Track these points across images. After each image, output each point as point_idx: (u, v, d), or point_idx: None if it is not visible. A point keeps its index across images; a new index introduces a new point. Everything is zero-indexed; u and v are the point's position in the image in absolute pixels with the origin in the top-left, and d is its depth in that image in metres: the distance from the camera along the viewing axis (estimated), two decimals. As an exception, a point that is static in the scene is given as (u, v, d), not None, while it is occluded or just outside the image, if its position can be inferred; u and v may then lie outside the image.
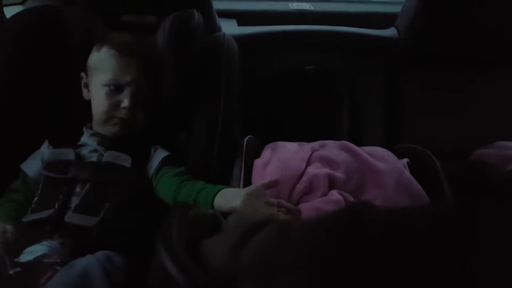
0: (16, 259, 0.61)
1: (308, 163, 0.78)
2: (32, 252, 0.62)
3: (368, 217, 0.23)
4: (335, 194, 0.71)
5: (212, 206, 0.65)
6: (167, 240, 0.28)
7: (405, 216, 0.23)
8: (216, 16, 1.01)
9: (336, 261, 0.22)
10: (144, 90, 0.76)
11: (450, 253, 0.20)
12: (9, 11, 0.89)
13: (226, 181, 0.75)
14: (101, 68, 0.76)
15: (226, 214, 0.64)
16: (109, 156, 0.73)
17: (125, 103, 0.74)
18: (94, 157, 0.74)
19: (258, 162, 0.79)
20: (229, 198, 0.64)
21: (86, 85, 0.80)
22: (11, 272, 0.59)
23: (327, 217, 0.25)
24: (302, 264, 0.22)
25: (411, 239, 0.21)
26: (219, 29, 1.01)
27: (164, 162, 0.75)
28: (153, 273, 0.28)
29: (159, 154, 0.76)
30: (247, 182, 0.76)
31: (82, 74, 0.80)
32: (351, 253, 0.21)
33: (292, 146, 0.84)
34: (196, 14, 0.84)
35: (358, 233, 0.22)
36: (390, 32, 1.14)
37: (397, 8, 1.16)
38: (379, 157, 0.79)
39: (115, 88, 0.74)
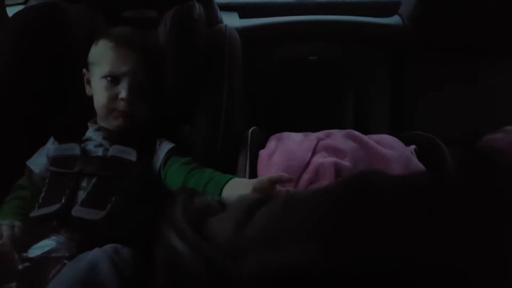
0: (25, 254, 0.61)
1: (314, 153, 0.77)
2: (40, 247, 0.63)
3: (376, 183, 0.23)
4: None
5: (220, 197, 0.65)
6: (172, 219, 0.27)
7: (413, 182, 0.23)
8: (218, 9, 1.01)
9: (344, 228, 0.21)
10: (142, 81, 0.75)
11: (457, 216, 0.20)
12: (12, 12, 0.89)
13: (231, 173, 0.74)
14: (99, 61, 0.76)
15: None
16: (114, 150, 0.73)
17: (123, 94, 0.73)
18: (99, 152, 0.74)
19: (263, 153, 0.78)
20: (237, 188, 0.64)
21: (88, 81, 0.80)
22: (20, 267, 0.60)
23: (334, 185, 0.24)
24: (309, 233, 0.22)
25: (419, 204, 0.21)
26: (221, 22, 1.00)
27: (171, 153, 0.75)
28: (160, 253, 0.28)
29: (165, 146, 0.76)
30: (253, 173, 0.75)
31: (84, 70, 0.80)
32: (359, 219, 0.21)
33: (297, 136, 0.83)
34: (197, 5, 0.83)
35: (367, 199, 0.22)
36: (394, 20, 1.12)
37: (401, -4, 1.15)
38: (386, 144, 0.78)
39: (113, 80, 0.74)
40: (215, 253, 0.24)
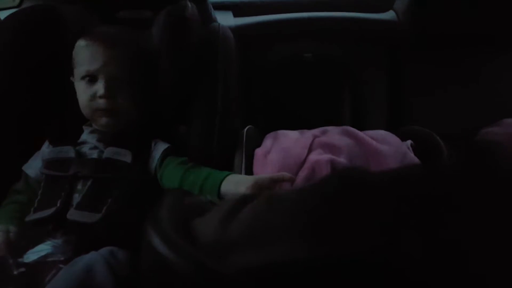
0: (20, 260, 0.61)
1: (310, 150, 0.77)
2: (36, 252, 0.62)
3: (359, 179, 0.22)
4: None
5: (219, 192, 0.65)
6: (156, 219, 0.27)
7: (397, 176, 0.22)
8: (212, 8, 1.00)
9: (328, 224, 0.21)
10: (120, 77, 0.74)
11: (441, 210, 0.19)
12: (5, 15, 0.89)
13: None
14: (78, 62, 0.75)
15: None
16: (109, 152, 0.72)
17: (100, 91, 0.72)
18: (94, 154, 0.73)
19: (259, 151, 0.78)
20: (236, 184, 0.64)
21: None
22: (16, 272, 0.59)
23: (318, 182, 0.24)
24: (293, 230, 0.22)
25: (403, 197, 0.20)
26: (215, 21, 1.00)
27: (166, 153, 0.74)
28: (143, 255, 0.28)
29: (160, 146, 0.75)
30: (249, 172, 0.75)
31: (71, 78, 0.79)
32: (343, 214, 0.21)
33: (293, 134, 0.83)
34: (189, 4, 0.83)
35: (351, 194, 0.21)
36: (389, 15, 1.12)
37: (395, -9, 1.14)
38: (382, 140, 0.78)
39: (90, 79, 0.73)
40: (198, 253, 0.23)
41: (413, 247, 0.19)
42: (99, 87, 0.73)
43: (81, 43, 0.75)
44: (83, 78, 0.74)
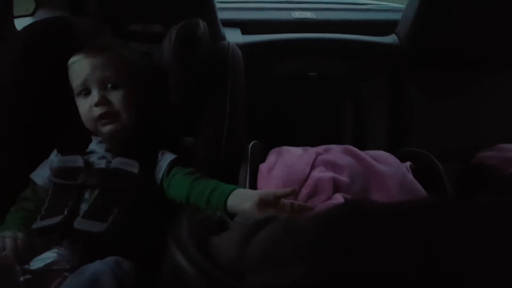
0: (27, 267, 0.61)
1: (313, 167, 0.78)
2: (42, 260, 0.63)
3: (368, 210, 0.24)
4: (339, 198, 0.72)
5: (225, 206, 0.66)
6: (178, 237, 0.29)
7: (404, 209, 0.24)
8: (221, 25, 1.03)
9: (337, 251, 0.23)
10: (108, 82, 0.75)
11: (448, 243, 0.22)
12: (20, 23, 0.91)
13: (232, 186, 0.75)
14: (72, 80, 0.77)
15: (234, 216, 0.65)
16: (117, 162, 0.74)
17: (95, 99, 0.74)
18: (102, 164, 0.75)
19: (263, 167, 0.80)
20: (242, 199, 0.65)
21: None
22: (22, 279, 0.60)
23: (329, 211, 0.26)
24: (303, 255, 0.23)
25: (410, 230, 0.22)
26: (224, 38, 1.02)
27: (173, 163, 0.75)
28: (165, 270, 0.29)
29: (167, 157, 0.77)
30: (253, 187, 0.76)
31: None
32: (352, 244, 0.23)
33: (296, 150, 0.85)
34: (201, 23, 0.85)
35: (359, 225, 0.23)
36: (391, 38, 1.16)
37: (397, 16, 1.18)
38: (383, 160, 0.80)
39: (85, 92, 0.76)
40: (219, 272, 0.25)
41: (414, 277, 0.21)
42: (94, 96, 0.75)
43: (70, 62, 0.78)
44: (79, 93, 0.76)
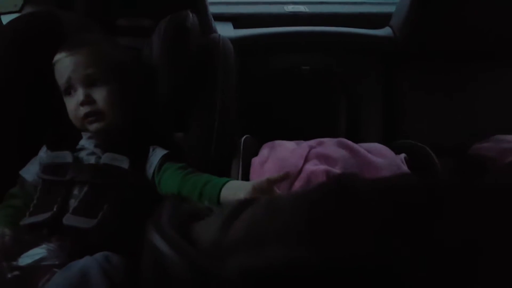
0: (14, 263, 0.60)
1: (306, 160, 0.78)
2: (30, 256, 0.62)
3: (353, 187, 0.23)
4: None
5: (218, 198, 0.65)
6: (157, 222, 0.28)
7: (388, 184, 0.23)
8: (212, 18, 1.02)
9: (325, 228, 0.22)
10: (91, 79, 0.74)
11: (431, 219, 0.20)
12: (7, 19, 0.89)
13: (224, 181, 0.74)
14: (57, 77, 0.76)
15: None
16: (106, 158, 0.73)
17: (80, 98, 0.73)
18: (92, 160, 0.74)
19: (255, 161, 0.79)
20: (235, 190, 0.64)
21: None
22: (9, 275, 0.59)
23: (313, 189, 0.25)
24: (292, 234, 0.22)
25: (400, 208, 0.21)
26: (215, 31, 1.01)
27: (165, 159, 0.74)
28: (144, 255, 0.28)
29: (159, 152, 0.76)
30: (245, 180, 0.76)
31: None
32: (337, 223, 0.22)
33: (289, 144, 0.84)
34: (190, 15, 0.84)
35: (344, 201, 0.22)
36: (385, 31, 1.15)
37: (391, 8, 1.17)
38: (377, 152, 0.79)
39: (70, 91, 0.75)
40: (199, 255, 0.24)
41: (403, 253, 0.20)
42: (79, 95, 0.74)
43: (54, 60, 0.76)
44: (64, 92, 0.75)
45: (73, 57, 0.74)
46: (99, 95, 0.74)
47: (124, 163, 0.72)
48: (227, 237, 0.25)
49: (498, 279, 0.20)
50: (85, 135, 0.78)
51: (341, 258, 0.21)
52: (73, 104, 0.75)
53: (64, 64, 0.75)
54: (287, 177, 0.65)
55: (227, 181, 0.66)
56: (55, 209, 0.67)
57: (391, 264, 0.20)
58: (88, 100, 0.73)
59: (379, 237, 0.21)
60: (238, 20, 1.18)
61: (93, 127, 0.75)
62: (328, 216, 0.22)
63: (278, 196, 0.51)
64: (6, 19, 0.90)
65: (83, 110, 0.74)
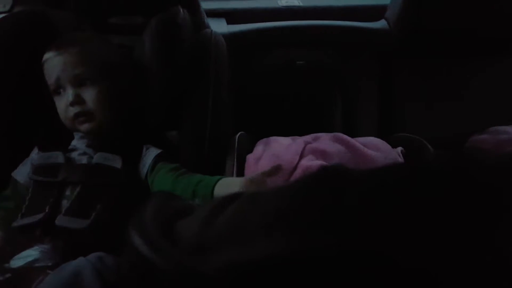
0: (6, 265, 0.60)
1: (301, 156, 0.77)
2: (23, 258, 0.62)
3: (342, 176, 0.23)
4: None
5: (212, 197, 0.64)
6: (139, 221, 0.27)
7: (375, 175, 0.23)
8: (205, 14, 1.01)
9: (309, 220, 0.21)
10: (81, 78, 0.73)
11: (439, 215, 0.20)
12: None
13: (219, 178, 0.74)
14: (46, 77, 0.75)
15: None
16: (99, 157, 0.72)
17: (69, 98, 0.72)
18: (84, 160, 0.73)
19: (250, 157, 0.78)
20: (228, 186, 0.63)
21: None
22: (1, 278, 0.59)
23: (298, 179, 0.24)
24: (274, 226, 0.22)
25: (394, 199, 0.21)
26: (208, 27, 1.00)
27: (158, 159, 0.74)
28: (125, 255, 0.28)
29: (152, 152, 0.75)
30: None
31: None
32: (320, 212, 0.21)
33: (285, 140, 0.83)
34: (181, 11, 0.84)
35: (331, 190, 0.22)
36: (380, 24, 1.14)
37: (386, 1, 1.16)
38: (373, 146, 0.78)
39: (59, 91, 0.74)
40: (181, 252, 0.23)
41: (392, 240, 0.19)
42: (68, 95, 0.73)
43: (43, 59, 0.75)
44: (54, 92, 0.75)
45: (62, 57, 0.73)
46: (89, 95, 0.73)
47: (116, 162, 0.71)
48: (210, 232, 0.24)
49: None
50: (76, 135, 0.78)
51: (327, 248, 0.20)
52: (63, 104, 0.74)
53: (53, 63, 0.74)
54: (280, 169, 0.64)
55: (220, 179, 0.65)
56: (47, 210, 0.66)
57: (381, 251, 0.19)
58: (77, 100, 0.73)
59: (365, 225, 0.20)
60: (231, 16, 1.17)
61: (84, 127, 0.74)
62: (313, 206, 0.21)
63: (262, 190, 0.51)
64: (-5, 19, 0.89)
65: (73, 110, 0.73)
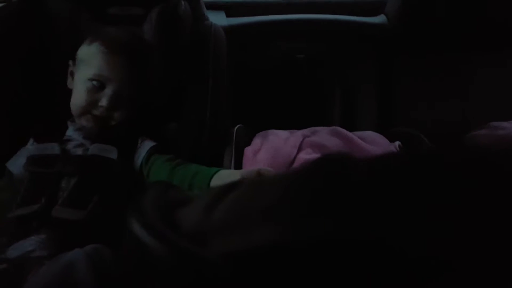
0: (2, 256, 0.60)
1: (299, 150, 0.77)
2: (19, 248, 0.61)
3: (344, 164, 0.22)
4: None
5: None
6: (138, 209, 0.27)
7: (377, 165, 0.22)
8: (204, 7, 1.00)
9: (310, 208, 0.21)
10: (126, 90, 0.74)
11: (441, 203, 0.19)
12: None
13: (216, 170, 0.73)
14: (89, 62, 0.75)
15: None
16: (94, 148, 0.72)
17: (104, 102, 0.72)
18: (79, 151, 0.73)
19: (248, 150, 0.78)
20: (225, 179, 0.64)
21: (72, 74, 0.79)
22: (-3, 268, 0.58)
23: (301, 167, 0.24)
24: (276, 214, 0.21)
25: (395, 188, 0.20)
26: (207, 19, 1.00)
27: (153, 151, 0.74)
28: (125, 243, 0.28)
29: (147, 144, 0.75)
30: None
31: (70, 62, 0.79)
32: (325, 199, 0.21)
33: (283, 133, 0.83)
34: (182, 3, 0.83)
35: (334, 179, 0.21)
36: (380, 19, 1.13)
37: (386, -5, 1.16)
38: (371, 140, 0.79)
39: (98, 85, 0.73)
40: (181, 240, 0.23)
41: (394, 228, 0.19)
42: (104, 98, 0.73)
43: (99, 46, 0.74)
44: (90, 79, 0.74)
45: (116, 56, 0.73)
46: (122, 106, 0.75)
47: (112, 153, 0.71)
48: (210, 220, 0.24)
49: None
50: (71, 125, 0.77)
51: (327, 235, 0.20)
52: (93, 99, 0.73)
53: (105, 58, 0.73)
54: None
55: (217, 171, 0.65)
56: (43, 201, 0.65)
57: (384, 238, 0.19)
58: (111, 107, 0.73)
59: (367, 213, 0.20)
60: (230, 9, 1.16)
61: (90, 124, 0.74)
62: (314, 193, 0.21)
63: (262, 177, 0.51)
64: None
65: (100, 111, 0.73)
